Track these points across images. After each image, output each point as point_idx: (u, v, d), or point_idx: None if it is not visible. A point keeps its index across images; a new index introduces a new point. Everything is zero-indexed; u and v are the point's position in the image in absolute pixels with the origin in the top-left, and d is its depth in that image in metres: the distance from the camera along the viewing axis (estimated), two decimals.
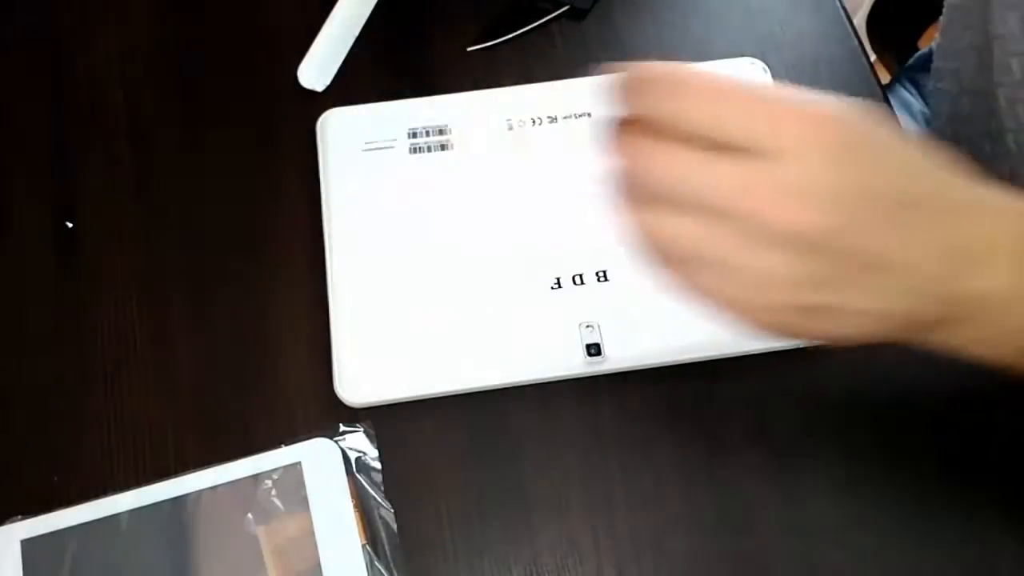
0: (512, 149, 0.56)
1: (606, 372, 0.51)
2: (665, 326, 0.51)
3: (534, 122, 0.57)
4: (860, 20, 0.91)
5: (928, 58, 0.72)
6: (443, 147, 0.56)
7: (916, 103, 0.72)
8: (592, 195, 0.51)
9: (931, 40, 0.79)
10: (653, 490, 0.49)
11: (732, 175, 0.33)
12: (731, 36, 0.62)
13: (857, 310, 0.35)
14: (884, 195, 0.33)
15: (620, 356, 0.51)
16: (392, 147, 0.57)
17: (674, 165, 0.33)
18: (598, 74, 0.35)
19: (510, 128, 0.57)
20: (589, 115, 0.57)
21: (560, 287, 0.52)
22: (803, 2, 0.63)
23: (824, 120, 0.33)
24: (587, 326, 0.51)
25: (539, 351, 0.51)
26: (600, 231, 0.51)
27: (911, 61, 0.81)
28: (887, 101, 0.59)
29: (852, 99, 0.34)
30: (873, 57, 0.79)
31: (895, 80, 0.81)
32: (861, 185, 0.33)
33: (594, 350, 0.50)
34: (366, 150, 0.57)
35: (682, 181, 0.33)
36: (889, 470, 0.48)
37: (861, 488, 0.49)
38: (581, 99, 0.57)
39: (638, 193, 0.35)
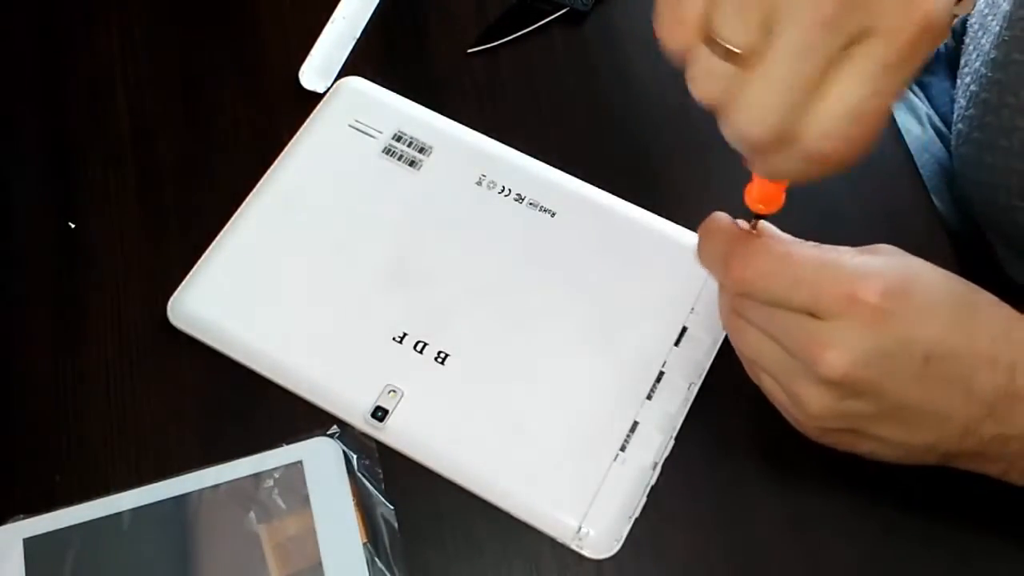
0: (466, 203, 0.55)
1: (375, 438, 0.50)
2: (460, 442, 0.49)
3: (503, 190, 0.55)
4: None
5: (934, 59, 0.71)
6: (413, 164, 0.55)
7: (923, 106, 0.71)
8: (497, 289, 0.52)
9: None
10: (653, 488, 0.49)
11: (799, 327, 0.41)
12: None
13: (892, 442, 0.43)
14: (915, 352, 0.40)
15: (399, 434, 0.49)
16: (374, 138, 0.56)
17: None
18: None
19: (478, 183, 0.55)
20: (553, 214, 0.54)
21: (400, 343, 0.51)
22: None
23: (867, 286, 0.40)
24: (391, 390, 0.50)
25: (341, 384, 0.50)
26: (474, 320, 0.51)
27: None
28: None
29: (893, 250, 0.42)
30: None
31: None
32: (894, 344, 0.40)
33: (380, 413, 0.49)
34: (351, 126, 0.57)
35: (767, 321, 0.43)
36: (891, 467, 0.48)
37: (862, 485, 0.49)
38: (557, 196, 0.55)
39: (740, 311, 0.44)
